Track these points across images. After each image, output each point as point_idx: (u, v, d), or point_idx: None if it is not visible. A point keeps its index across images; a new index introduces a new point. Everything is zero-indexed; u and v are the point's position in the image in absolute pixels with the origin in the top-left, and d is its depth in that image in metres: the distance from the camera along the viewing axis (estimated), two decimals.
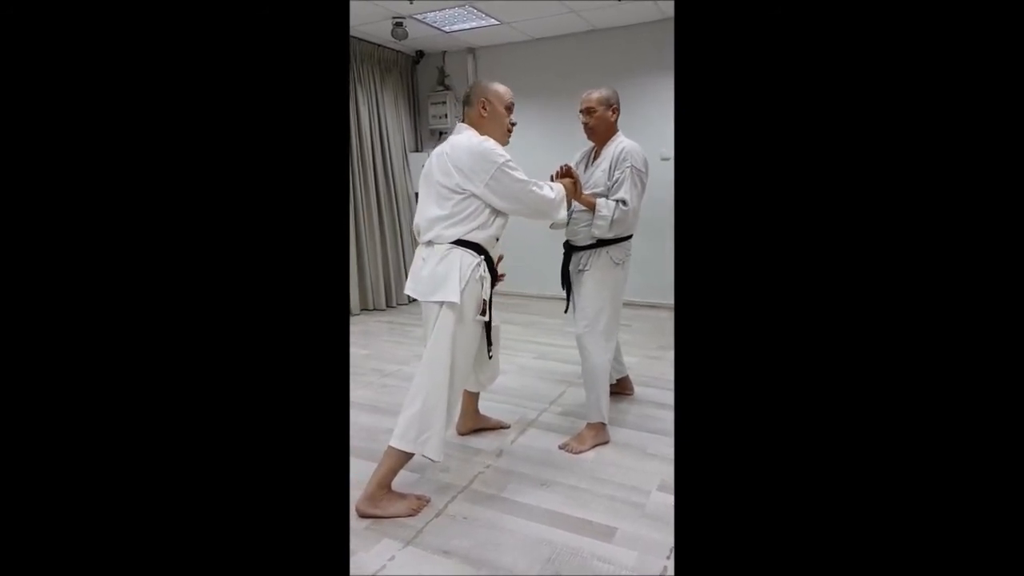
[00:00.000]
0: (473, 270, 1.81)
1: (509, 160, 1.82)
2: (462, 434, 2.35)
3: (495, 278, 1.93)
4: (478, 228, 1.82)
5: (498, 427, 2.41)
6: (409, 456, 1.83)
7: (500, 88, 1.93)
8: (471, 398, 2.33)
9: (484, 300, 1.85)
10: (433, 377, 1.81)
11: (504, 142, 1.92)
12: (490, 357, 2.09)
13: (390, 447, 1.81)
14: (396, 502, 1.83)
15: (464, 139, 1.83)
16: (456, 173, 1.79)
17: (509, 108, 1.93)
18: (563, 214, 1.97)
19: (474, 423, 2.37)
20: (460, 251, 1.81)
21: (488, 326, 1.94)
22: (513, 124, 1.96)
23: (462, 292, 1.79)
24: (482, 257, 1.83)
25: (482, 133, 1.88)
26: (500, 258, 2.00)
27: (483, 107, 1.90)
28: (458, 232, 1.81)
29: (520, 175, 1.83)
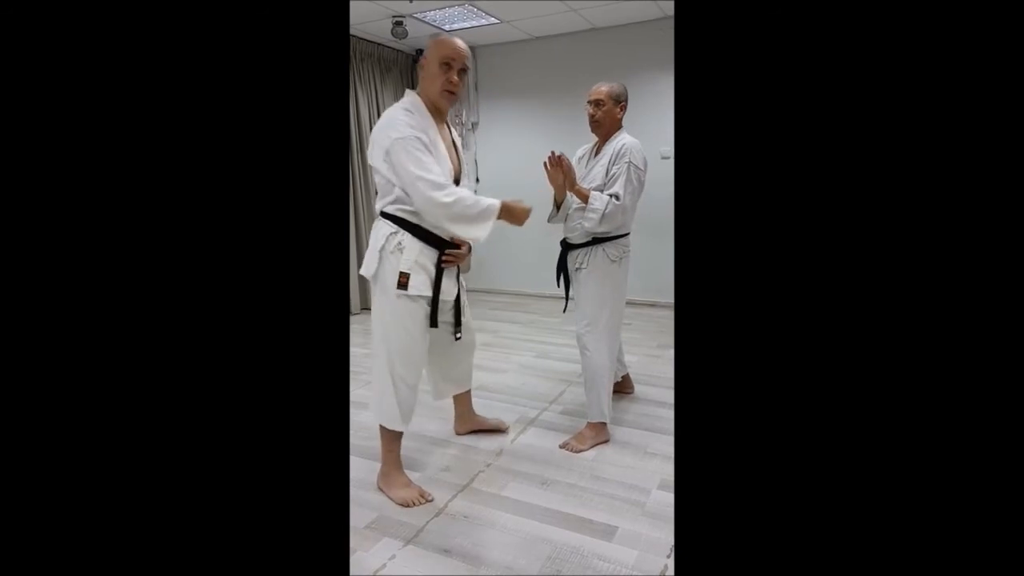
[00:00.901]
0: (387, 240, 1.74)
1: (407, 137, 1.64)
2: (459, 434, 2.35)
3: (442, 254, 1.80)
4: (395, 201, 1.74)
5: (496, 429, 2.36)
6: (390, 432, 1.90)
7: (440, 40, 1.74)
8: (462, 399, 2.30)
9: (403, 273, 1.74)
10: (377, 353, 1.86)
11: (441, 104, 1.77)
12: (457, 338, 2.01)
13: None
14: (398, 487, 1.90)
15: (389, 109, 1.77)
16: (371, 145, 1.76)
17: (443, 62, 1.72)
18: (469, 232, 1.69)
19: (470, 424, 2.34)
20: (380, 222, 1.80)
21: (435, 305, 1.84)
22: (452, 83, 1.73)
23: (379, 264, 1.76)
24: (398, 227, 1.75)
25: (423, 94, 1.77)
26: (464, 246, 1.87)
27: (423, 65, 1.77)
28: (380, 205, 1.79)
29: (414, 166, 1.63)
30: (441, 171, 1.70)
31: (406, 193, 1.70)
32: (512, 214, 1.76)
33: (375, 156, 1.72)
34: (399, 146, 1.65)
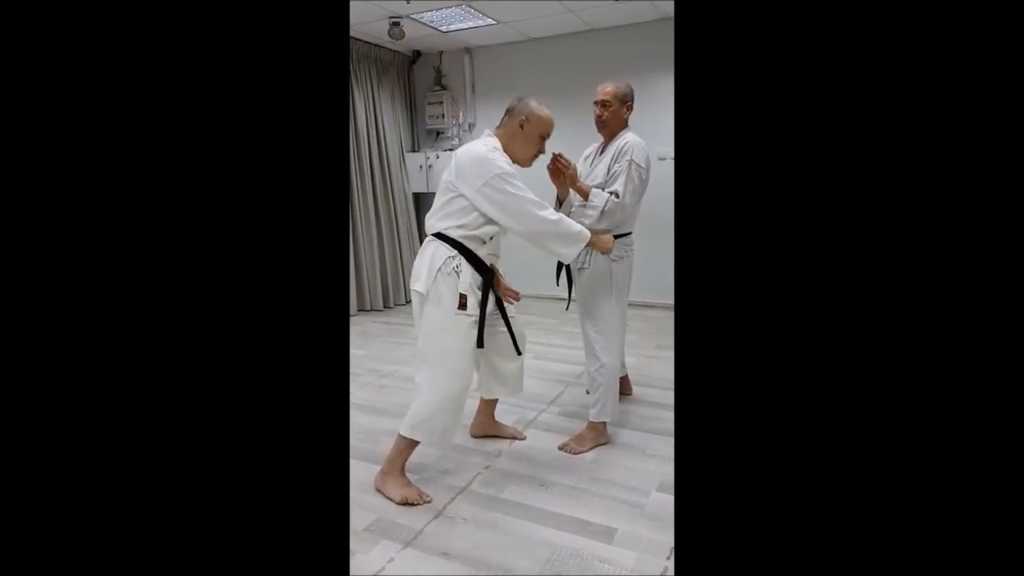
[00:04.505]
0: (445, 262, 1.82)
1: (509, 173, 1.80)
2: (475, 436, 2.34)
3: (489, 282, 1.94)
4: (460, 227, 1.84)
5: (512, 437, 2.34)
6: (409, 443, 1.91)
7: (546, 115, 1.92)
8: (488, 403, 2.32)
9: (463, 295, 1.83)
10: (424, 369, 1.89)
11: (525, 163, 1.93)
12: (519, 353, 2.12)
13: (398, 434, 1.93)
14: (398, 487, 1.90)
15: (477, 144, 1.87)
16: (455, 171, 1.84)
17: (543, 136, 1.92)
18: (565, 249, 1.89)
19: (487, 428, 2.35)
20: (436, 243, 1.85)
21: (481, 329, 1.92)
22: (541, 152, 1.96)
23: (433, 283, 1.82)
24: (457, 251, 1.84)
25: (508, 147, 1.90)
26: (496, 273, 2.01)
27: (521, 125, 1.90)
28: (441, 225, 1.86)
29: (518, 191, 1.80)
30: None
31: (513, 217, 1.81)
32: (599, 242, 1.97)
33: (467, 183, 1.80)
34: (502, 180, 1.78)
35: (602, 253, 2.03)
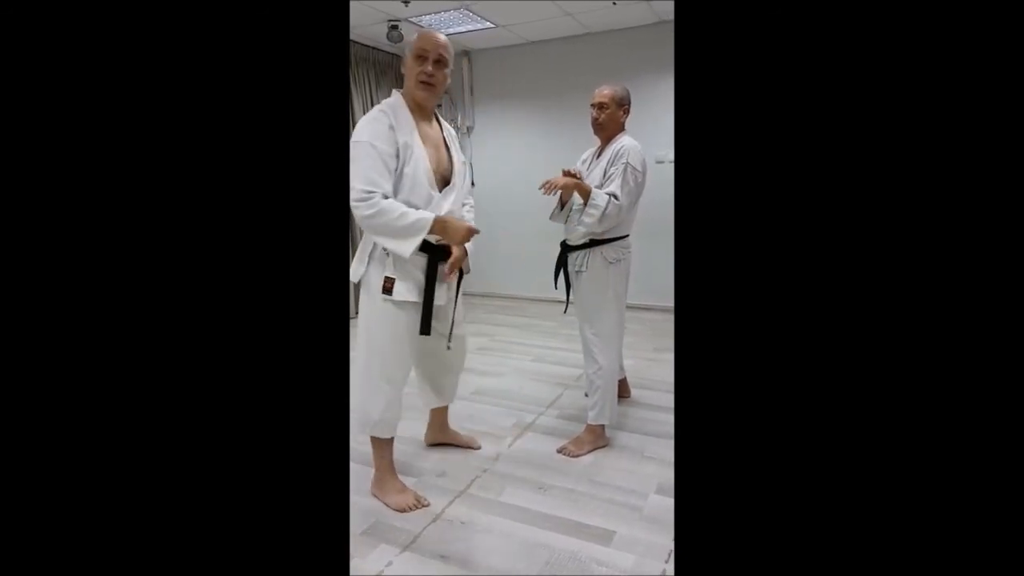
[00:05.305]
0: (374, 246, 1.74)
1: (362, 143, 1.62)
2: (429, 445, 2.29)
3: (436, 262, 1.78)
4: None
5: (467, 446, 2.27)
6: (380, 440, 1.88)
7: (417, 34, 1.74)
8: (438, 411, 2.24)
9: (388, 278, 1.72)
10: (360, 359, 1.81)
11: (418, 97, 1.74)
12: (448, 348, 1.97)
13: None
14: (394, 493, 1.89)
15: None
16: None
17: (417, 55, 1.71)
18: (392, 247, 1.64)
19: (440, 436, 2.28)
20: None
21: (427, 314, 1.80)
22: (427, 74, 1.70)
23: (365, 270, 1.76)
24: None
25: (405, 93, 1.78)
26: (457, 250, 1.85)
27: (403, 63, 1.77)
28: None
29: (353, 172, 1.58)
30: (380, 180, 1.63)
31: None
32: (447, 230, 1.69)
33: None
34: (352, 151, 1.63)
35: (455, 243, 1.76)
